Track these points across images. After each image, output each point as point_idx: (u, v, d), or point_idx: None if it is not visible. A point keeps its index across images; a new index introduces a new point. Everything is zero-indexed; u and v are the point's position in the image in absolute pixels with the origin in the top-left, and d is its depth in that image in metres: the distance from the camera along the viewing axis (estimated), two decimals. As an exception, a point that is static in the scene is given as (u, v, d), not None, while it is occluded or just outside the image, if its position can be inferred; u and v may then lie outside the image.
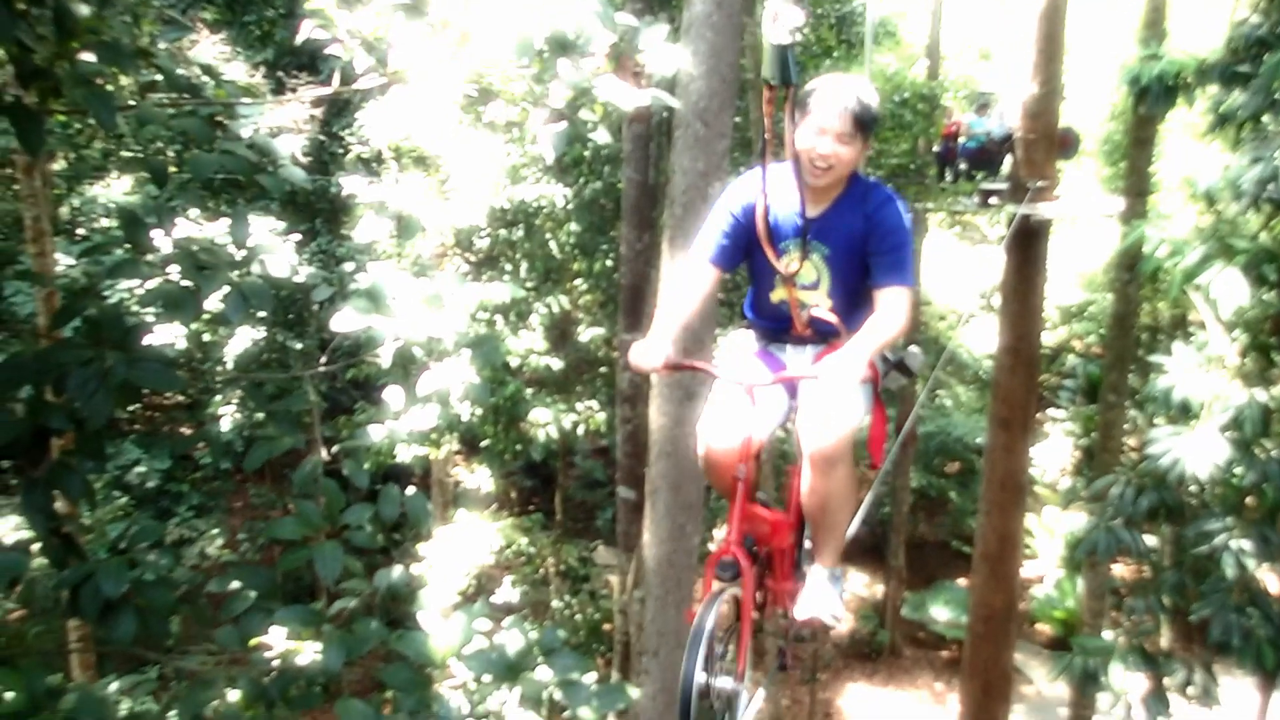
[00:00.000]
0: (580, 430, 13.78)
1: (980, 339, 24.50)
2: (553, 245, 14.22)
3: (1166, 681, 8.71)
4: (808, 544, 3.66)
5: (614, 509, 13.74)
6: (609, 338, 14.78)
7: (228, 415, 13.03)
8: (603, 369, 15.32)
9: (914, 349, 3.67)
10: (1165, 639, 15.01)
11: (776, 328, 3.54)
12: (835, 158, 3.14)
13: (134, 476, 15.40)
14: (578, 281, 14.89)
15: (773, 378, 3.28)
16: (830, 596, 3.44)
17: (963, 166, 17.04)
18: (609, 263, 14.07)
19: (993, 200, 15.32)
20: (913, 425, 18.74)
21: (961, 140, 17.02)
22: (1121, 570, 17.86)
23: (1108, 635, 10.42)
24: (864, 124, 3.15)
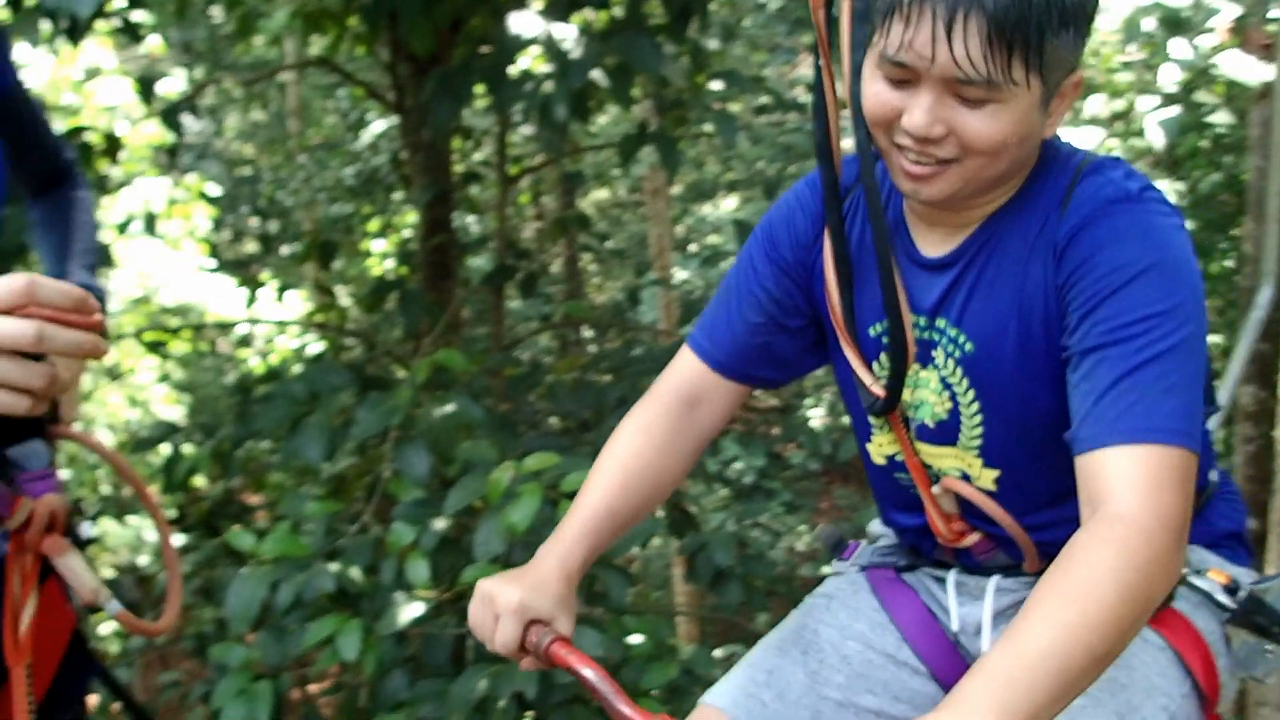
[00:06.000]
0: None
1: None
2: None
3: None
4: None
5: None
6: (1227, 348, 13.26)
7: (816, 417, 13.76)
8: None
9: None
10: None
11: (906, 526, 1.54)
12: (956, 139, 1.21)
13: (732, 472, 16.87)
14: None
15: None
16: None
17: None
18: (1228, 264, 12.62)
19: None
20: None
21: None
22: None
23: None
24: (1029, 38, 1.15)
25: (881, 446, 1.48)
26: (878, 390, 1.39)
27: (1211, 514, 1.46)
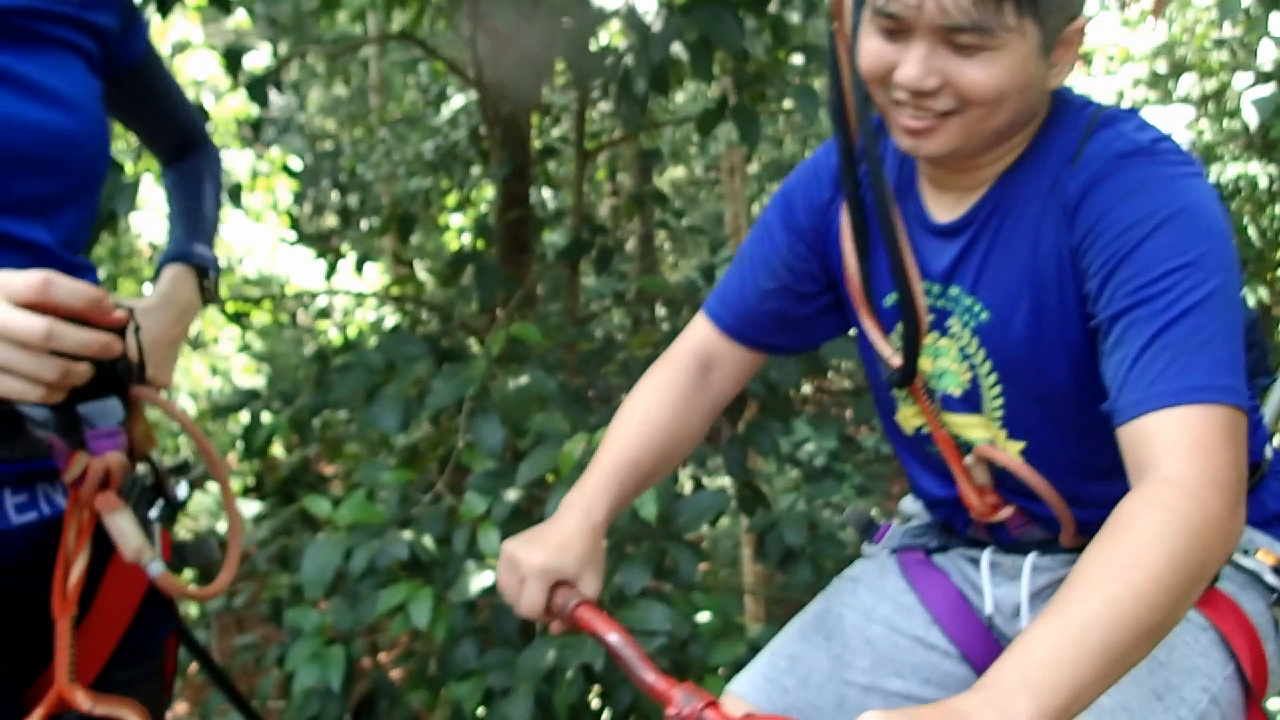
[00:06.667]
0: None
1: None
2: (1251, 231, 12.66)
3: None
4: None
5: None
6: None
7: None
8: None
9: None
10: None
11: (939, 499, 1.47)
12: (952, 90, 1.16)
13: (804, 453, 16.80)
14: (1280, 272, 13.09)
15: None
16: None
17: None
18: (1321, 252, 12.17)
19: None
20: None
21: None
22: None
23: None
24: None
25: (908, 418, 1.43)
26: (895, 361, 1.34)
27: (1263, 492, 1.39)
